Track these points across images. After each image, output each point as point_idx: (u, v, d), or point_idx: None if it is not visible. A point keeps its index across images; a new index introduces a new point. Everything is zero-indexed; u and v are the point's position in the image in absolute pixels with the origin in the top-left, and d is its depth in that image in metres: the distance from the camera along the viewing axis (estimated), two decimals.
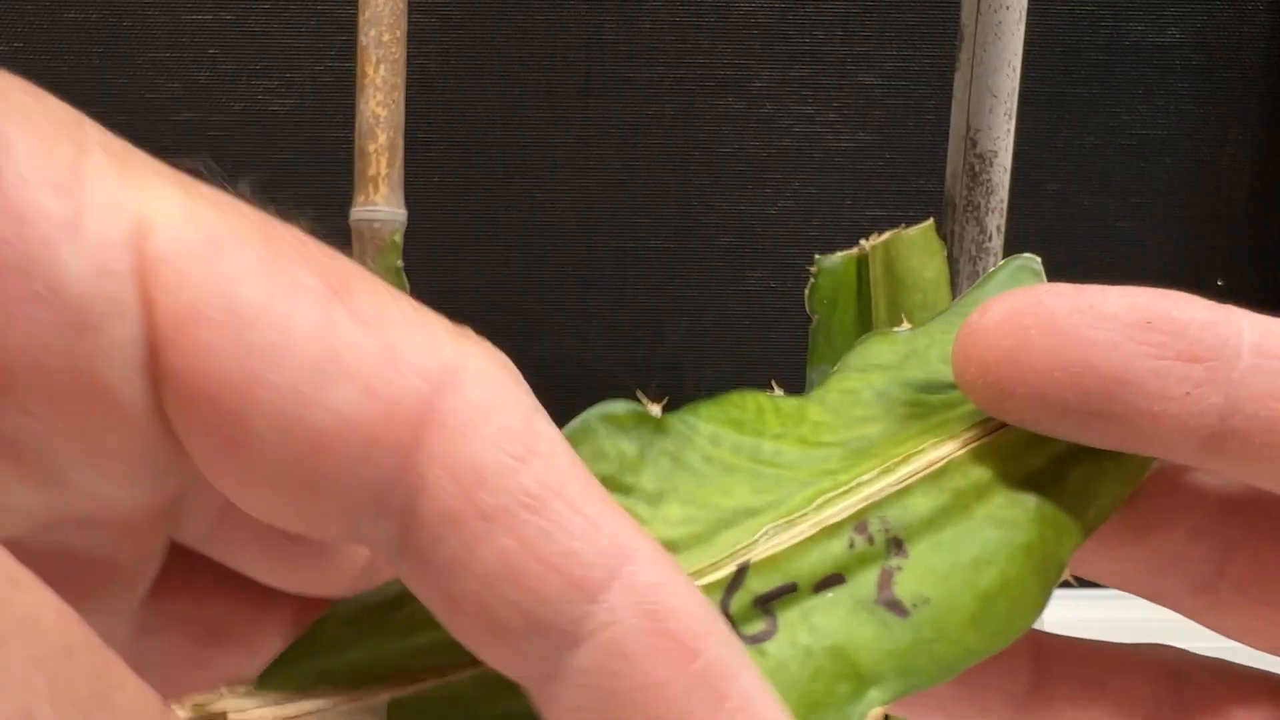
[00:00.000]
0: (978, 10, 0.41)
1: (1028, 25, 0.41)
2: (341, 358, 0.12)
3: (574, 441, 0.15)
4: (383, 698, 0.15)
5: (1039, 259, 0.20)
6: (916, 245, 0.41)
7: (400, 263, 0.42)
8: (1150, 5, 0.66)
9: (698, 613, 0.13)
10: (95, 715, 0.10)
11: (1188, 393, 0.15)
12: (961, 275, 0.43)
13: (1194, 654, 0.20)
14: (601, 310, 0.69)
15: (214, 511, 0.15)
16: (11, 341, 0.12)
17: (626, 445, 0.17)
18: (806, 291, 0.43)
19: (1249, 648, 0.19)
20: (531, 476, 0.13)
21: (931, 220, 0.42)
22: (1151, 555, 0.19)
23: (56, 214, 0.12)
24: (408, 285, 0.42)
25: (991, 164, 0.42)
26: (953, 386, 0.18)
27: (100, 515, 0.14)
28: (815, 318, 0.43)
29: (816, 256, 0.43)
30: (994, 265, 0.43)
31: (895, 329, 0.19)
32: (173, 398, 0.12)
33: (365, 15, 0.45)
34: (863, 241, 0.42)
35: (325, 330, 0.12)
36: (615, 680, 0.13)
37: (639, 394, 0.17)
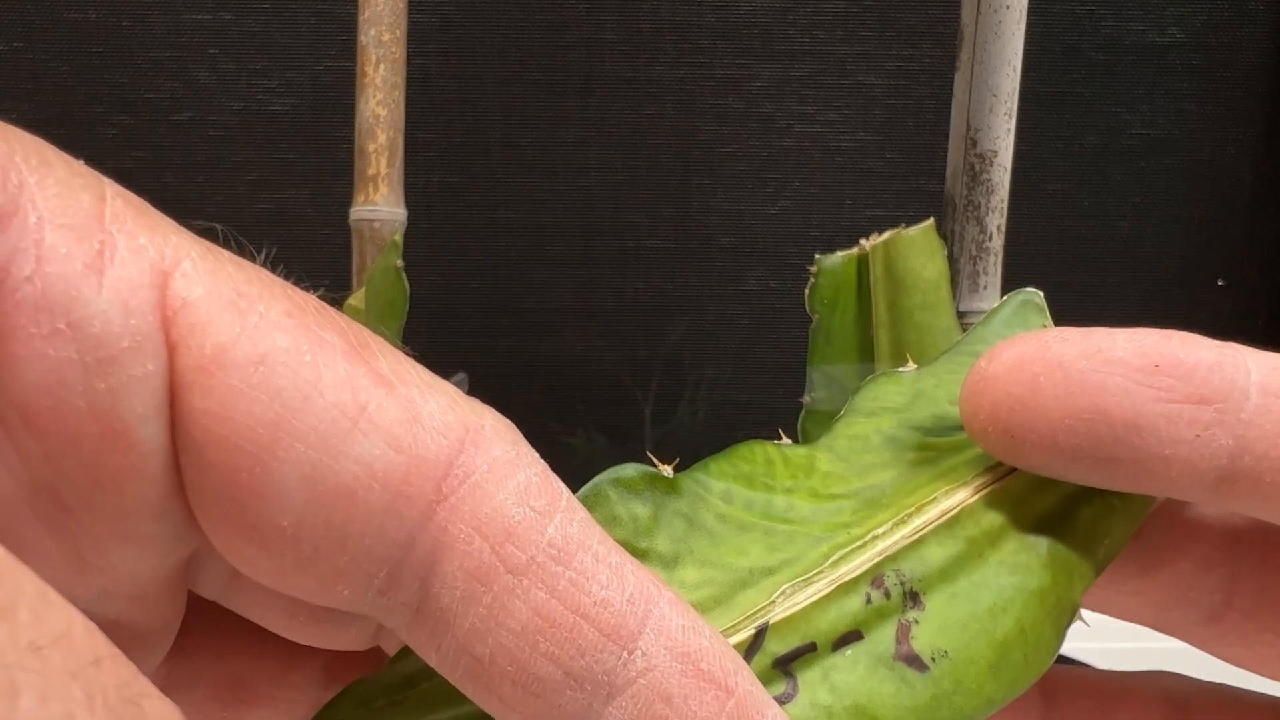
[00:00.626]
0: (978, 10, 0.41)
1: (1028, 25, 0.41)
2: (368, 411, 0.12)
3: (587, 507, 0.15)
4: None
5: (1041, 293, 0.20)
6: (916, 245, 0.41)
7: (400, 262, 0.42)
8: (1150, 5, 0.66)
9: (724, 651, 0.13)
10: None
11: (1198, 435, 0.15)
12: (961, 275, 0.43)
13: (1198, 680, 0.20)
14: (601, 310, 0.69)
15: (230, 568, 0.15)
16: (33, 378, 0.12)
17: (640, 508, 0.16)
18: (806, 291, 0.43)
19: (1258, 676, 0.19)
20: (557, 529, 0.13)
21: (931, 220, 0.42)
22: (1159, 588, 0.19)
23: (78, 254, 0.12)
24: (408, 285, 0.42)
25: (991, 164, 0.42)
26: (959, 428, 0.18)
27: (116, 588, 0.14)
28: (815, 318, 0.43)
29: (816, 256, 0.43)
30: (994, 265, 0.43)
31: (901, 369, 0.19)
32: (191, 444, 0.12)
33: (365, 15, 0.45)
34: (863, 241, 0.42)
35: (351, 384, 0.13)
36: None
37: (650, 455, 0.17)
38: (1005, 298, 0.19)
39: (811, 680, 0.16)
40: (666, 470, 0.17)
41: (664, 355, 0.69)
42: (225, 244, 0.14)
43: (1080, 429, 0.15)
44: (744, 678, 0.13)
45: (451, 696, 0.14)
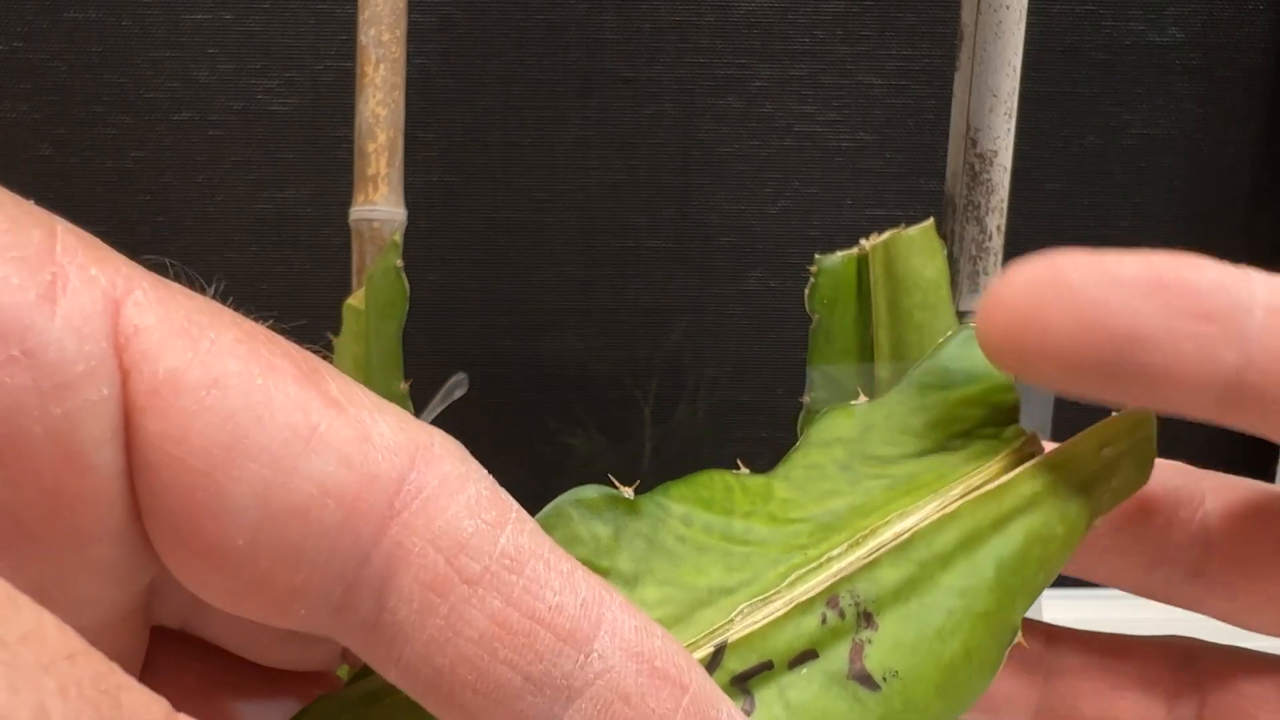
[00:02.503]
0: (978, 10, 0.41)
1: (1028, 25, 0.41)
2: (320, 431, 0.13)
3: (548, 527, 0.16)
4: None
5: None
6: (916, 245, 0.41)
7: (400, 263, 0.42)
8: (1150, 5, 0.66)
9: (676, 650, 0.14)
10: (105, 711, 0.10)
11: (1201, 350, 0.16)
12: (961, 275, 0.43)
13: (1206, 641, 0.20)
14: (601, 310, 0.69)
15: (191, 596, 0.15)
16: None
17: (601, 529, 0.17)
18: (806, 291, 0.43)
19: (1251, 632, 0.20)
20: (508, 540, 0.13)
21: (931, 220, 0.42)
22: (1143, 551, 0.19)
23: (30, 285, 0.12)
24: (408, 285, 0.42)
25: (991, 164, 0.42)
26: (912, 457, 0.18)
27: (77, 619, 0.14)
28: (815, 318, 0.43)
29: (816, 256, 0.43)
30: (994, 265, 0.43)
31: (853, 403, 0.20)
32: (146, 466, 0.13)
33: (365, 15, 0.45)
34: (863, 241, 0.42)
35: (303, 405, 0.13)
36: None
37: (610, 477, 0.18)
38: (951, 333, 0.19)
39: (768, 698, 0.16)
40: (627, 492, 0.17)
41: (664, 355, 0.69)
42: (177, 278, 0.14)
43: (1087, 344, 0.16)
44: (697, 674, 0.14)
45: (414, 711, 0.14)
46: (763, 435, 0.70)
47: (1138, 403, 0.17)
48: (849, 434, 0.19)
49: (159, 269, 0.14)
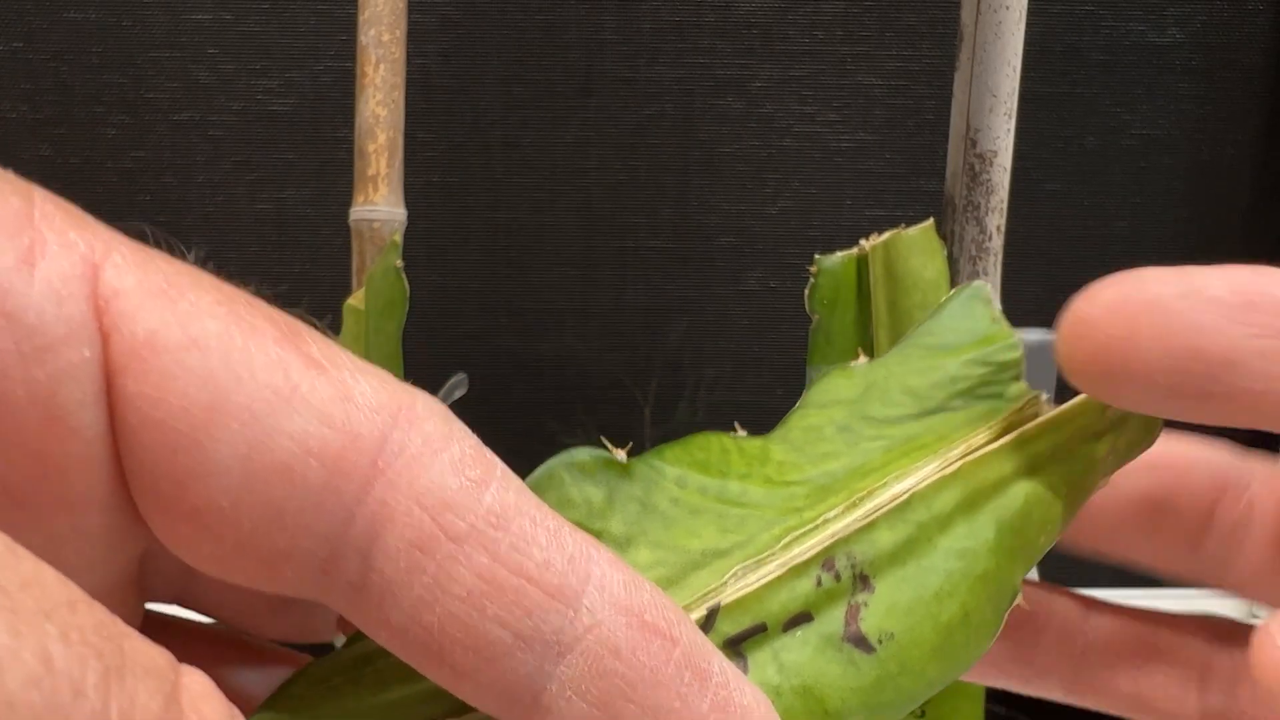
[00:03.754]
0: (978, 10, 0.41)
1: (1028, 25, 0.41)
2: (301, 390, 0.13)
3: (539, 489, 0.16)
4: None
5: (988, 286, 0.20)
6: (916, 245, 0.41)
7: (400, 263, 0.42)
8: (1150, 5, 0.66)
9: (665, 604, 0.14)
10: (108, 657, 0.10)
11: None
12: (961, 275, 0.43)
13: (1245, 623, 0.20)
14: (601, 310, 0.69)
15: (183, 565, 0.15)
16: None
17: (593, 491, 0.17)
18: (806, 291, 0.43)
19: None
20: (494, 497, 0.13)
21: (931, 220, 0.41)
22: (1184, 534, 0.20)
23: (9, 250, 0.12)
24: (407, 285, 0.42)
25: (991, 164, 0.42)
26: (913, 418, 0.18)
27: None
28: (815, 318, 0.43)
29: (816, 256, 0.43)
30: (994, 265, 0.43)
31: (852, 364, 0.19)
32: (128, 429, 0.13)
33: (365, 15, 0.45)
34: (863, 241, 0.42)
35: (283, 366, 0.13)
36: (611, 678, 0.13)
37: (603, 440, 0.18)
38: (954, 290, 0.19)
39: (761, 660, 0.16)
40: (620, 455, 0.17)
41: (663, 355, 0.69)
42: (156, 244, 0.14)
43: (1179, 368, 0.16)
44: (687, 628, 0.14)
45: (406, 674, 0.14)
46: (762, 434, 0.70)
47: (1228, 423, 0.17)
48: (848, 395, 0.19)
49: (139, 236, 0.14)
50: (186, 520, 0.13)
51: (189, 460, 0.13)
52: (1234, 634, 0.20)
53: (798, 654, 0.16)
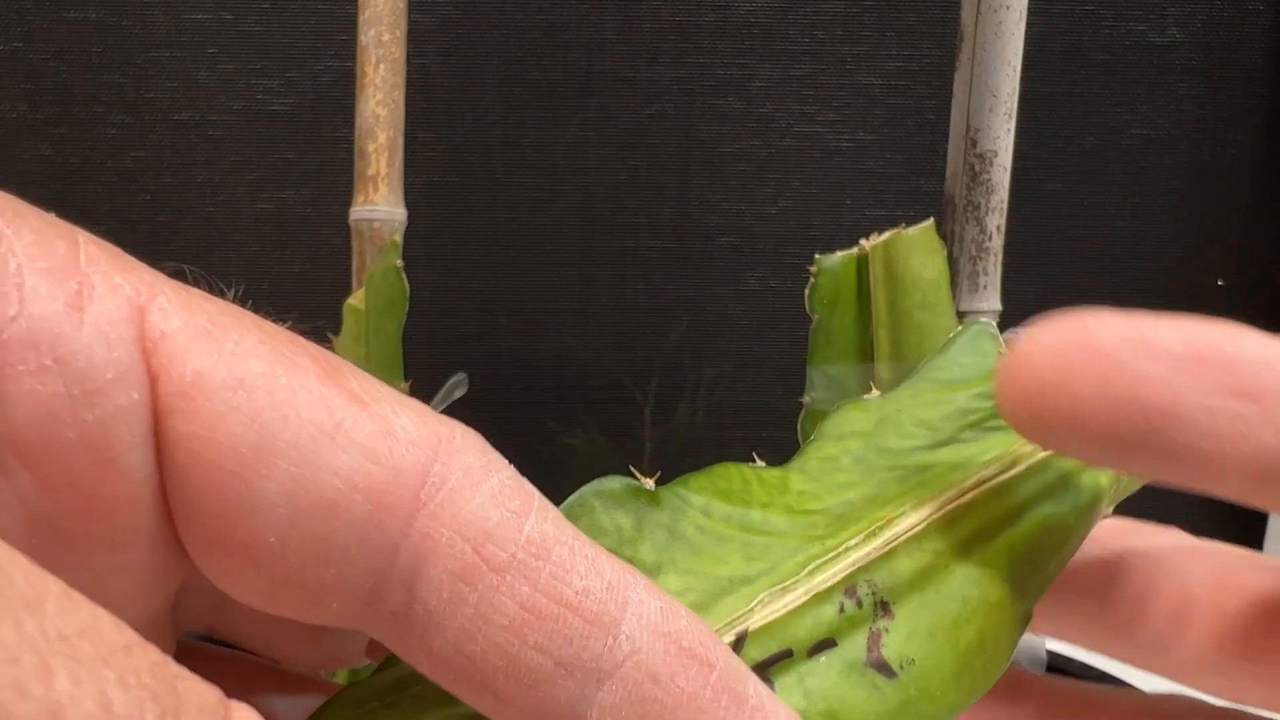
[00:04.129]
0: (978, 10, 0.41)
1: (1028, 25, 0.41)
2: (344, 427, 0.13)
3: (571, 517, 0.16)
4: None
5: (994, 323, 0.21)
6: (916, 245, 0.41)
7: (400, 263, 0.42)
8: (1150, 5, 0.66)
9: (701, 629, 0.14)
10: (163, 699, 0.10)
11: (1240, 431, 0.15)
12: (961, 275, 0.43)
13: (1198, 701, 0.20)
14: (601, 310, 0.69)
15: (217, 596, 0.15)
16: (24, 413, 0.12)
17: (623, 519, 0.17)
18: (806, 291, 0.43)
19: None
20: (533, 527, 0.13)
21: (931, 220, 0.42)
22: (1115, 616, 0.19)
23: (59, 294, 0.12)
24: (408, 285, 0.42)
25: (991, 164, 0.42)
26: (926, 449, 0.19)
27: None
28: (815, 318, 0.43)
29: (816, 256, 0.43)
30: (994, 265, 0.43)
31: (865, 397, 0.20)
32: (177, 468, 0.13)
33: (365, 15, 0.45)
34: (863, 241, 0.42)
35: (326, 403, 0.13)
36: (650, 704, 0.13)
37: (632, 469, 0.18)
38: (961, 327, 0.20)
39: (788, 685, 0.16)
40: (648, 483, 0.18)
41: (663, 355, 0.69)
42: (197, 284, 0.15)
43: (1117, 417, 0.15)
44: (724, 652, 0.14)
45: (443, 698, 0.14)
46: (763, 435, 0.70)
47: (1165, 479, 0.16)
48: (863, 427, 0.19)
49: (179, 276, 0.14)
50: (234, 556, 0.13)
51: (237, 498, 0.13)
52: (1184, 712, 0.20)
53: (823, 679, 0.16)
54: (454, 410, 0.51)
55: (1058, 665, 0.41)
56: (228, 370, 0.13)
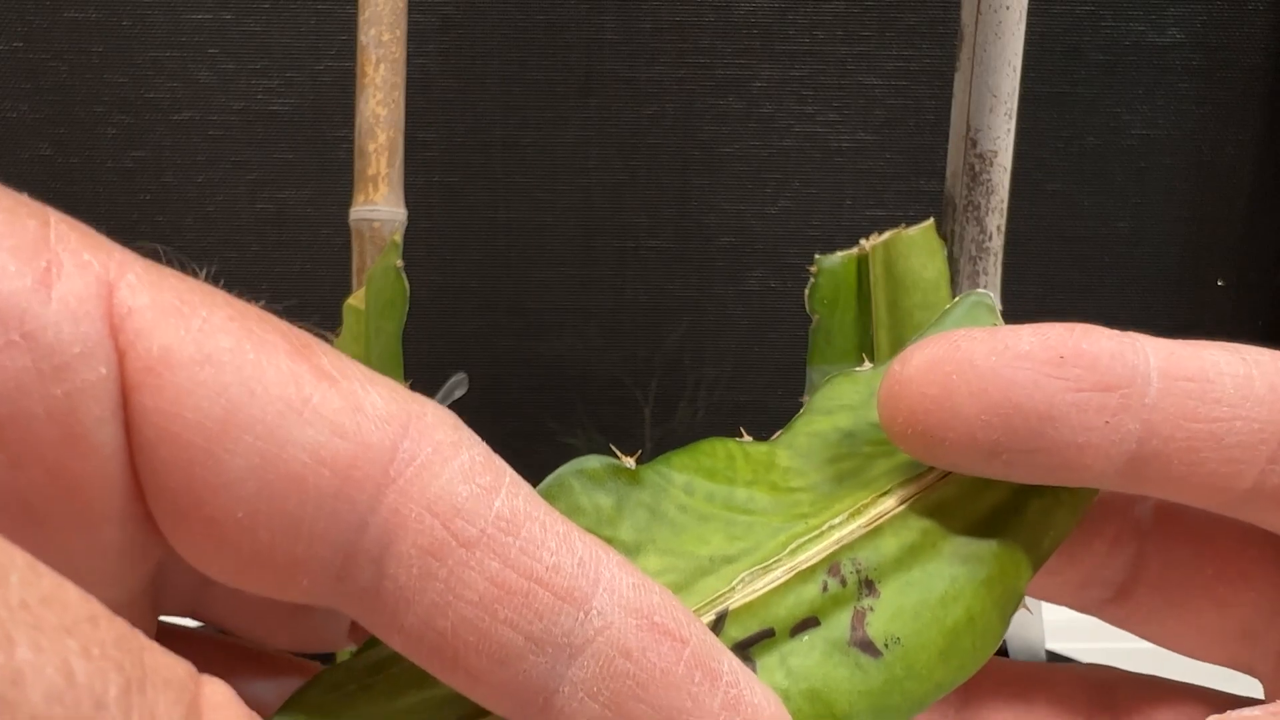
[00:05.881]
0: (978, 10, 0.41)
1: (1028, 25, 0.41)
2: (312, 402, 0.13)
3: (549, 497, 0.16)
4: None
5: (992, 294, 0.20)
6: (916, 245, 0.41)
7: (400, 263, 0.42)
8: (1150, 5, 0.66)
9: (675, 606, 0.14)
10: (128, 670, 0.10)
11: (1107, 421, 0.16)
12: (961, 275, 0.43)
13: (1126, 671, 0.21)
14: (601, 310, 0.69)
15: (197, 578, 0.15)
16: None
17: (603, 499, 0.17)
18: (806, 291, 0.43)
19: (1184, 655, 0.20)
20: (503, 503, 0.13)
21: (931, 220, 0.42)
22: (1076, 569, 0.19)
23: (27, 271, 0.13)
24: (408, 285, 0.42)
25: (991, 164, 0.42)
26: None
27: None
28: (815, 318, 0.43)
29: (816, 256, 0.43)
30: (994, 265, 0.43)
31: (857, 369, 0.19)
32: (145, 444, 0.13)
33: (365, 15, 0.45)
34: (863, 241, 0.42)
35: (295, 378, 0.13)
36: (622, 679, 0.13)
37: (612, 448, 0.18)
38: (957, 299, 0.19)
39: (769, 665, 0.16)
40: (629, 462, 0.17)
41: (663, 355, 0.69)
42: (169, 265, 0.15)
43: (996, 424, 0.16)
44: (697, 629, 0.14)
45: (421, 679, 0.14)
46: (763, 435, 0.70)
47: (1044, 480, 0.17)
48: (853, 400, 0.19)
49: (152, 255, 0.14)
50: (204, 532, 0.13)
51: (205, 473, 0.13)
52: (1117, 684, 0.20)
53: (805, 658, 0.16)
54: (454, 410, 0.51)
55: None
56: (195, 346, 0.13)
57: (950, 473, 0.17)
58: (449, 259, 0.67)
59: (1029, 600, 0.41)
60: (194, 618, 0.18)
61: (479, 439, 0.14)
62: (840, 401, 0.19)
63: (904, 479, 0.17)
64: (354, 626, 0.18)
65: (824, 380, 0.19)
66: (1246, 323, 0.70)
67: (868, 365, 0.20)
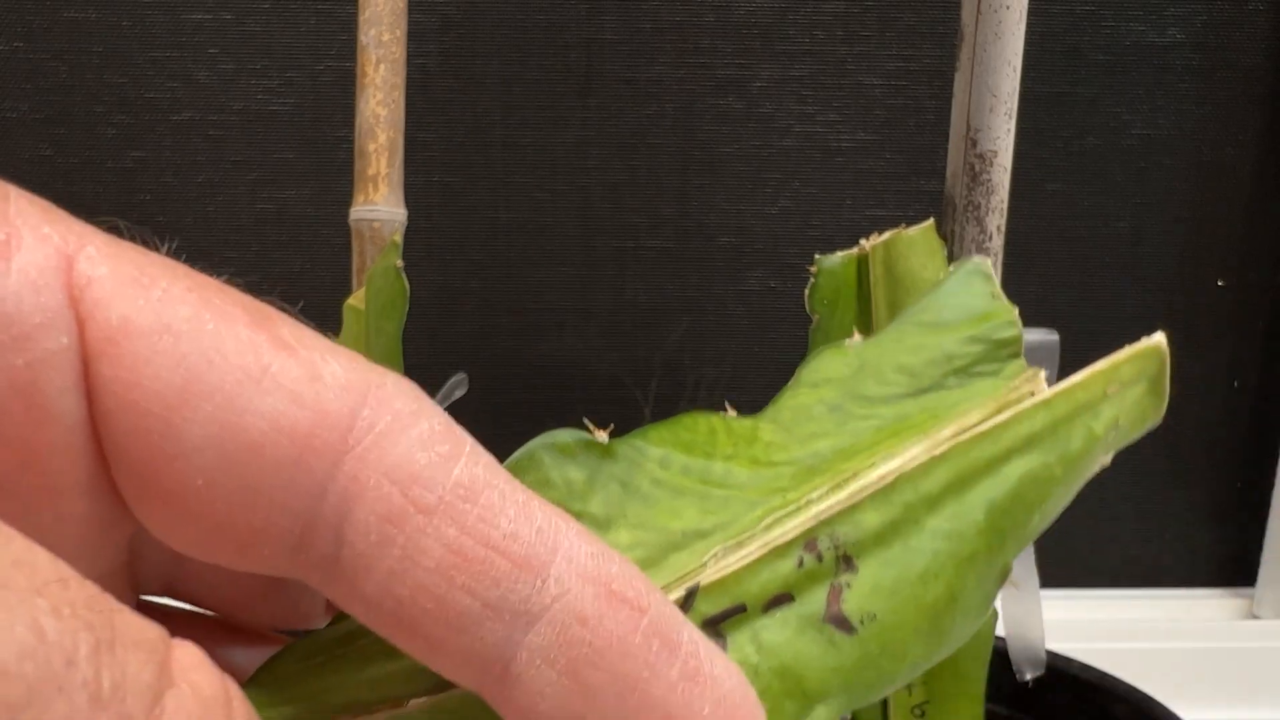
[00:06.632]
0: (978, 10, 0.41)
1: (1028, 25, 0.41)
2: (271, 371, 0.13)
3: (518, 471, 0.16)
4: None
5: (989, 261, 0.20)
6: (917, 245, 0.41)
7: (400, 263, 0.42)
8: (1150, 5, 0.66)
9: (633, 573, 0.14)
10: (99, 630, 0.11)
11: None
12: None
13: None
14: (601, 310, 0.69)
15: (172, 554, 0.15)
16: None
17: (574, 473, 0.17)
18: (806, 291, 0.43)
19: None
20: (462, 471, 0.13)
21: (931, 220, 0.41)
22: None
23: None
24: (408, 285, 0.42)
25: (991, 164, 0.42)
26: (906, 397, 0.18)
27: None
28: (815, 318, 0.43)
29: (816, 256, 0.43)
30: (994, 265, 0.43)
31: (846, 341, 0.19)
32: (105, 413, 0.13)
33: (365, 15, 0.45)
34: (863, 241, 0.42)
35: (254, 348, 0.13)
36: (578, 647, 0.13)
37: (586, 421, 0.17)
38: (953, 267, 0.19)
39: (740, 641, 0.16)
40: (602, 436, 0.17)
41: (663, 355, 0.69)
42: (131, 239, 0.15)
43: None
44: (656, 598, 0.14)
45: (389, 651, 0.14)
46: None
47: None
48: (841, 373, 0.19)
49: (114, 230, 0.15)
50: (164, 501, 0.13)
51: (164, 442, 0.13)
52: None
53: (777, 634, 0.16)
54: (454, 410, 0.51)
55: (1057, 665, 0.41)
56: (154, 315, 0.13)
57: (937, 447, 0.17)
58: (449, 259, 0.67)
59: (1028, 600, 0.41)
60: (172, 596, 0.18)
61: (440, 409, 0.14)
62: (827, 375, 0.19)
63: (890, 453, 0.17)
64: (330, 603, 0.18)
65: (813, 353, 0.19)
66: (1246, 323, 0.70)
67: (857, 338, 0.19)
